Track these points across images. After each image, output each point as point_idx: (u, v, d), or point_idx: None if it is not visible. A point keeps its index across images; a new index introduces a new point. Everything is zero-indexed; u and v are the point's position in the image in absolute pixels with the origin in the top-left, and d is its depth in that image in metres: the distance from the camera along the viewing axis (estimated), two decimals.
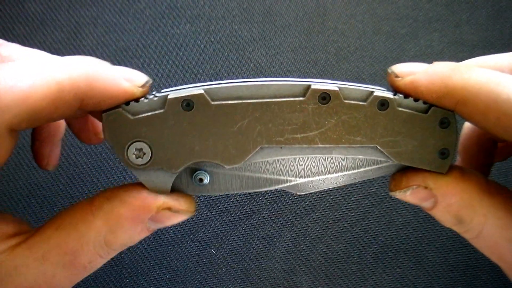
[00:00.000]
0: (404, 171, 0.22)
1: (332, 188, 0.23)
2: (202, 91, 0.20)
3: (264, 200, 0.48)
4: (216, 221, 0.47)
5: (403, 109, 0.21)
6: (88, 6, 0.48)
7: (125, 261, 0.46)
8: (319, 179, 0.23)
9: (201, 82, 0.21)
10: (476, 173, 0.22)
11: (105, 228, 0.20)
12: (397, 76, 0.21)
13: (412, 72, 0.21)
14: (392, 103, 0.20)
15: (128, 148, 0.20)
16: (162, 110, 0.20)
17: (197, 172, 0.22)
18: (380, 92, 0.21)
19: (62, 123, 0.28)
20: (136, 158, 0.20)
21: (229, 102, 0.20)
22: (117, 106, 0.20)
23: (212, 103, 0.20)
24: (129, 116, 0.20)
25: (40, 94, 0.18)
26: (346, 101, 0.20)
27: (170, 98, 0.20)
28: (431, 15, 0.52)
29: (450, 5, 0.53)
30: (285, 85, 0.20)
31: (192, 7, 0.50)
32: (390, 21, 0.52)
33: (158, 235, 0.46)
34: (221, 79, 0.51)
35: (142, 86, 0.20)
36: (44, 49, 0.23)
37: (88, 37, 0.48)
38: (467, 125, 0.27)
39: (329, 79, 0.21)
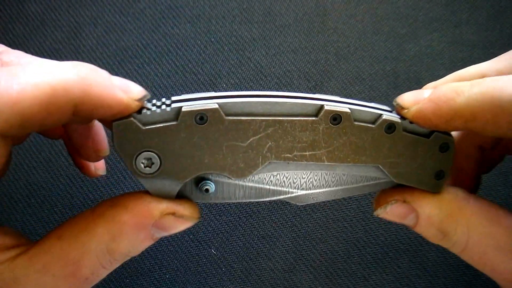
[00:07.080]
0: (385, 190, 0.23)
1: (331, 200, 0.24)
2: (217, 106, 0.20)
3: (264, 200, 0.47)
4: (216, 221, 0.47)
5: (407, 133, 0.21)
6: (88, 6, 0.48)
7: (125, 261, 0.45)
8: (319, 192, 0.23)
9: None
10: (453, 187, 0.22)
11: (107, 236, 0.20)
12: (403, 108, 0.21)
13: (416, 101, 0.21)
14: (398, 127, 0.21)
15: (137, 158, 0.20)
16: (175, 122, 0.20)
17: (203, 183, 0.22)
18: (388, 115, 0.21)
19: (95, 123, 0.27)
20: (145, 167, 0.20)
21: (243, 118, 0.20)
22: (128, 115, 0.20)
23: (226, 118, 0.20)
24: (140, 126, 0.20)
25: (31, 98, 0.17)
26: (356, 123, 0.21)
27: (184, 111, 0.20)
28: (431, 15, 0.52)
29: (450, 5, 0.53)
30: (298, 104, 0.20)
31: (192, 7, 0.50)
32: (390, 21, 0.52)
33: None
34: (222, 79, 0.51)
35: (139, 100, 0.20)
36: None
37: (88, 37, 0.48)
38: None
39: (339, 95, 0.22)
